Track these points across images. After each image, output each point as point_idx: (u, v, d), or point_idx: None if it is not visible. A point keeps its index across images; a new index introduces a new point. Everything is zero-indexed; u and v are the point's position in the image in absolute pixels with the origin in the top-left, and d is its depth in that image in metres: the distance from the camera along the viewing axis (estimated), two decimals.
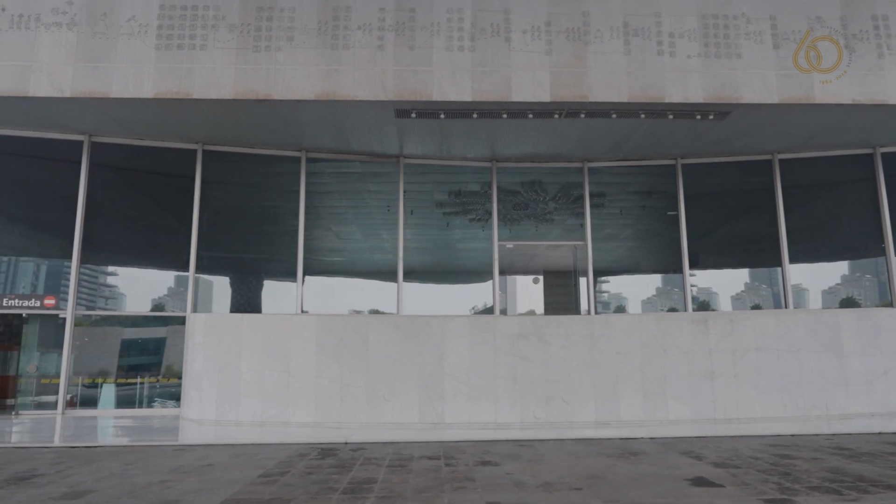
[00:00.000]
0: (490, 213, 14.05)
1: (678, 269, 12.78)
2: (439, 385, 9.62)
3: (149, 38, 10.05)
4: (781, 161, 12.58)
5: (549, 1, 10.40)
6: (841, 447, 7.33)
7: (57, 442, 8.52)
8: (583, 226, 13.93)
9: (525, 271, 16.12)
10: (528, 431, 8.86)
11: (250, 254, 12.81)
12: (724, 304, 12.60)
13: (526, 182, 13.94)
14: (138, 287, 12.41)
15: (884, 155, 12.30)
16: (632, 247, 16.03)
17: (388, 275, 17.33)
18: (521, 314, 10.34)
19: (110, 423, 10.46)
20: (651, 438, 8.16)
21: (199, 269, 11.69)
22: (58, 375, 11.11)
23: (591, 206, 14.61)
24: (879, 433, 8.35)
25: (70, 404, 11.08)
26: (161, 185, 12.35)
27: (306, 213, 12.29)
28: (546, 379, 9.68)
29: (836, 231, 12.98)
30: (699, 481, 5.48)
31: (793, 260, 12.32)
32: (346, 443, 7.96)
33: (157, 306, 12.21)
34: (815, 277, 12.72)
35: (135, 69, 9.95)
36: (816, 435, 8.32)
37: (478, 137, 11.56)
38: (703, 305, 12.53)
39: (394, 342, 9.75)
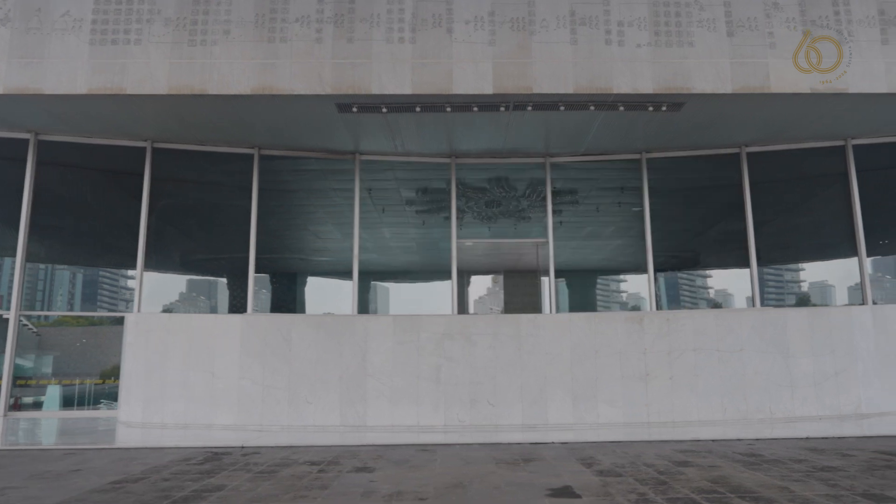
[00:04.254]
0: (463, 211, 13.77)
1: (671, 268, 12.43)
2: (362, 387, 9.33)
3: (83, 34, 9.88)
4: (749, 154, 12.11)
5: None
6: (754, 453, 6.90)
7: None
8: (561, 222, 13.62)
9: (497, 270, 15.79)
10: (452, 435, 8.53)
11: (201, 253, 12.61)
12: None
13: (492, 178, 13.61)
14: (93, 287, 12.31)
15: (856, 147, 11.78)
16: (619, 245, 15.68)
17: (362, 275, 17.15)
18: (446, 314, 9.98)
19: (43, 425, 10.30)
20: (577, 443, 7.79)
21: (148, 267, 11.51)
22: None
23: (566, 204, 14.28)
24: (807, 438, 7.85)
25: (15, 406, 10.94)
26: (111, 183, 12.18)
27: (263, 212, 12.06)
28: (471, 380, 9.34)
29: (809, 228, 12.49)
30: (562, 492, 5.12)
31: (768, 260, 11.89)
32: (242, 447, 7.70)
33: (112, 307, 12.09)
34: (834, 274, 12.28)
35: (68, 65, 9.78)
36: (740, 440, 7.87)
37: (428, 133, 11.26)
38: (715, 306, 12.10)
39: (316, 342, 9.47)
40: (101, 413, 10.62)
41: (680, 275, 15.28)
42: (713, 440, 7.85)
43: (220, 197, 12.75)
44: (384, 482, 5.62)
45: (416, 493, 5.17)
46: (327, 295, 12.85)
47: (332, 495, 5.14)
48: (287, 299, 14.94)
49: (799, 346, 9.63)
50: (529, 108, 10.20)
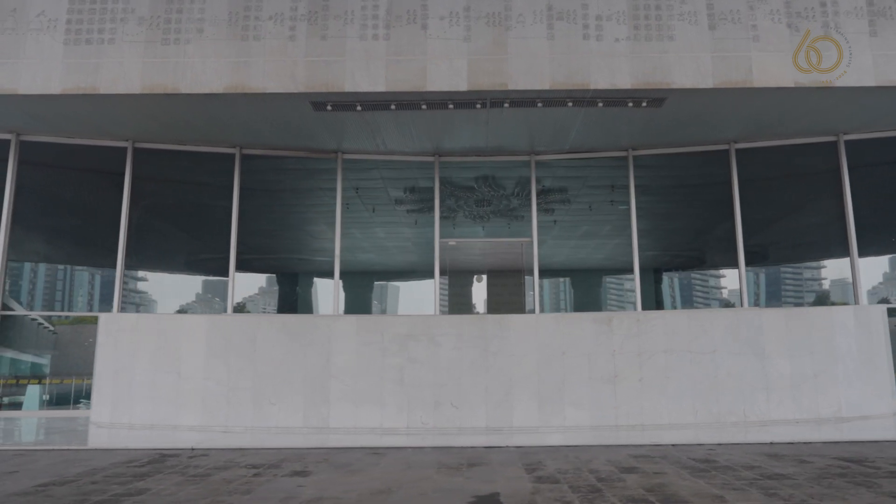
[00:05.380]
0: (454, 210, 13.62)
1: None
2: (325, 388, 9.20)
3: (57, 34, 9.86)
4: (738, 151, 11.84)
5: None
6: (709, 459, 6.65)
7: None
8: (555, 221, 13.47)
9: (495, 269, 15.61)
10: (415, 438, 8.38)
11: (207, 253, 12.59)
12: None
13: (480, 177, 13.46)
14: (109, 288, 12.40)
15: (848, 143, 11.46)
16: (618, 244, 15.45)
17: (363, 275, 17.08)
18: (411, 314, 9.83)
19: (18, 425, 10.29)
20: (535, 447, 7.58)
21: (129, 266, 11.50)
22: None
23: (558, 202, 14.11)
24: (771, 443, 7.57)
25: None
26: (93, 183, 12.19)
27: (256, 212, 12.05)
28: (435, 382, 9.17)
29: (796, 225, 12.21)
30: (486, 500, 4.91)
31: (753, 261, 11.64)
32: (192, 448, 7.60)
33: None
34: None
35: (43, 65, 9.76)
36: (707, 444, 7.62)
37: (408, 131, 11.12)
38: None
39: (281, 343, 9.36)
40: (75, 413, 10.62)
41: (693, 275, 15.05)
42: (674, 445, 7.60)
43: (212, 197, 12.72)
44: (311, 487, 5.48)
45: (336, 499, 5.03)
46: (330, 294, 12.83)
47: (252, 500, 5.01)
48: (291, 300, 14.94)
49: (775, 348, 9.34)
50: (506, 104, 10.02)
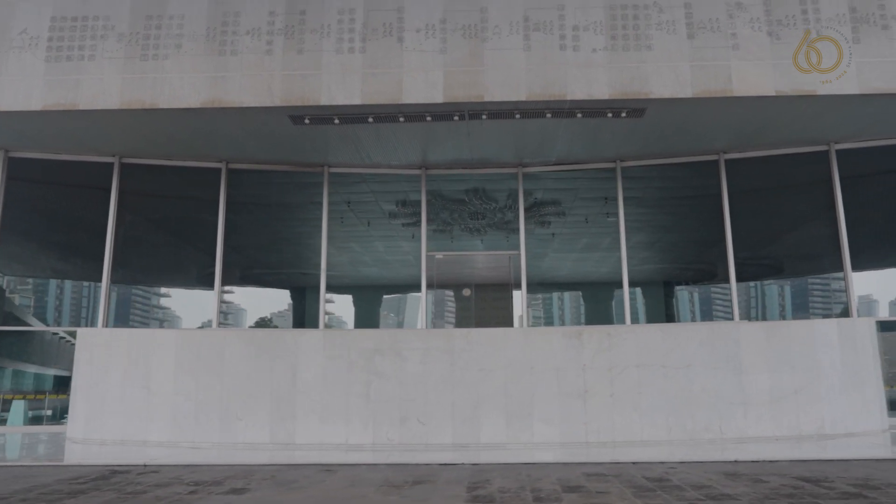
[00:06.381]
0: (450, 224, 13.53)
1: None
2: (292, 403, 9.11)
3: (39, 51, 9.98)
4: (728, 161, 11.63)
5: None
6: (663, 478, 6.41)
7: None
8: (553, 234, 13.33)
9: (496, 282, 15.44)
10: (381, 454, 8.24)
11: (170, 268, 12.63)
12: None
13: (470, 190, 13.36)
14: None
15: (839, 152, 11.21)
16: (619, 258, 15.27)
17: (370, 289, 17.04)
18: (378, 328, 9.72)
19: (8, 440, 10.33)
20: (490, 464, 7.40)
21: (115, 280, 11.54)
22: None
23: (552, 215, 13.96)
24: (735, 461, 7.27)
25: None
26: (81, 198, 12.28)
27: (244, 225, 12.08)
28: (401, 397, 9.03)
29: (790, 238, 11.96)
30: None
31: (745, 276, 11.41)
32: (145, 465, 7.54)
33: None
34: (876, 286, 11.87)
35: (24, 82, 9.87)
36: (663, 463, 7.37)
37: (391, 143, 11.07)
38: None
39: (248, 357, 9.31)
40: (53, 428, 10.64)
41: (713, 288, 14.78)
42: (635, 462, 7.36)
43: (184, 211, 12.80)
44: None
45: None
46: (336, 308, 12.88)
47: None
48: (300, 314, 14.94)
49: (754, 362, 9.08)
50: (484, 116, 9.95)
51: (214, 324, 11.17)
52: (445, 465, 7.46)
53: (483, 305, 12.88)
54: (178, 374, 9.32)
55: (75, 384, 9.81)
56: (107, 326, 10.90)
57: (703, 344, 9.18)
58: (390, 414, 9.07)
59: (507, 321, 12.03)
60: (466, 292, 12.49)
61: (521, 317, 11.35)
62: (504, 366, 9.15)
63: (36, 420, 11.89)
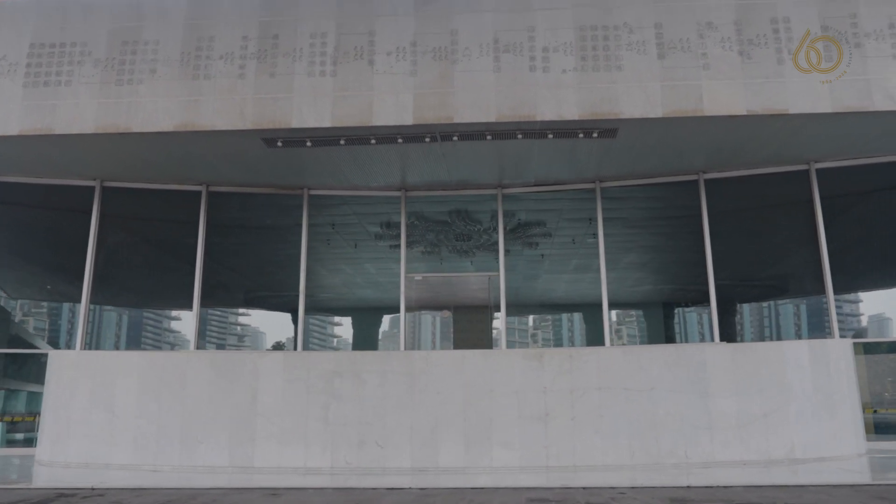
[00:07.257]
0: (437, 245, 13.50)
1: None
2: (251, 426, 9.03)
3: (17, 77, 10.13)
4: (707, 181, 11.53)
5: (416, 20, 9.92)
6: None
7: None
8: (542, 255, 13.25)
9: (468, 303, 15.37)
10: (339, 478, 8.13)
11: (150, 291, 12.68)
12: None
13: (453, 211, 13.34)
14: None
15: (819, 171, 11.09)
16: (615, 277, 15.13)
17: (350, 310, 17.00)
18: (336, 350, 9.66)
19: None
20: (445, 489, 7.27)
21: (94, 301, 11.57)
22: None
23: (538, 236, 13.91)
24: (689, 486, 7.09)
25: None
26: (62, 222, 12.40)
27: (226, 247, 12.14)
28: (360, 420, 8.93)
29: (770, 257, 11.80)
30: None
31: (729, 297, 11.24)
32: (92, 488, 7.49)
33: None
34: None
35: (3, 107, 10.01)
36: (613, 488, 7.19)
37: (367, 165, 11.09)
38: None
39: (209, 380, 9.26)
40: (21, 451, 10.63)
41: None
42: (585, 487, 7.20)
43: (164, 234, 12.89)
44: None
45: None
46: (333, 330, 12.87)
47: None
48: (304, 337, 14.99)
49: (720, 385, 8.90)
50: (455, 138, 9.95)
51: (192, 346, 11.15)
52: (392, 489, 7.35)
53: (461, 327, 12.79)
54: (141, 396, 9.30)
55: (45, 406, 9.83)
56: (85, 349, 10.93)
57: (667, 366, 9.02)
58: (349, 437, 8.97)
59: (485, 343, 11.93)
60: (445, 314, 12.40)
61: (499, 339, 11.25)
62: (463, 388, 9.04)
63: (28, 442, 11.87)
